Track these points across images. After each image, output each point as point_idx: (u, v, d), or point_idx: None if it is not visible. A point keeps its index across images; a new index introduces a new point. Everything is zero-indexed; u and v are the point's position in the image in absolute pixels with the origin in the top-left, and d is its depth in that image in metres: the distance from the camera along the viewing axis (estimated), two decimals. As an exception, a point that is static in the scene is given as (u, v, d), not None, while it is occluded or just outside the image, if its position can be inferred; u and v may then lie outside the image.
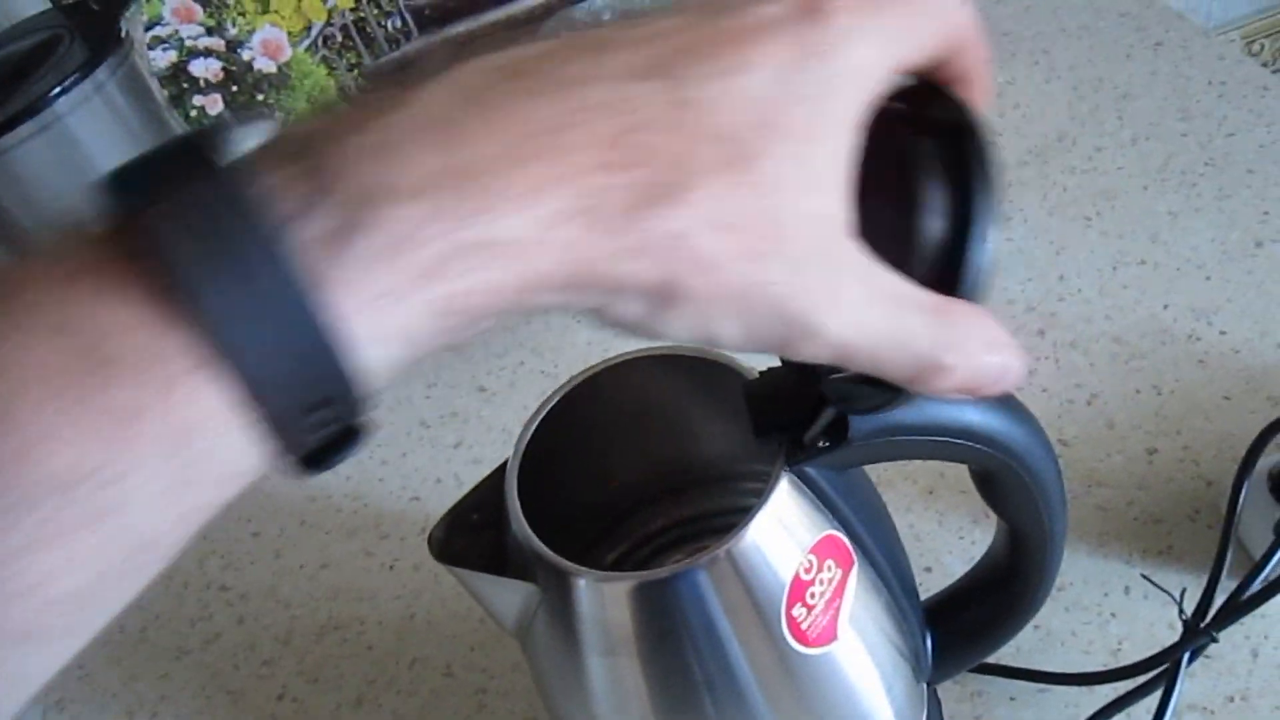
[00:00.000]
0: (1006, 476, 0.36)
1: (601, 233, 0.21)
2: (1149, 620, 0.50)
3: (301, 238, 0.19)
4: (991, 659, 0.49)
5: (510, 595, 0.35)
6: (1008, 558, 0.41)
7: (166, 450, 0.19)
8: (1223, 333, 0.60)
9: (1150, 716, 0.45)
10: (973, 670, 0.49)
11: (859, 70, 0.23)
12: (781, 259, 0.23)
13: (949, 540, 0.55)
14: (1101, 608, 0.51)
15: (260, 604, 0.63)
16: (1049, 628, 0.50)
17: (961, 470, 0.57)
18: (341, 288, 0.19)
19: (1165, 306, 0.63)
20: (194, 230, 0.19)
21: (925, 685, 0.45)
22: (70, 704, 0.60)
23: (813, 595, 0.34)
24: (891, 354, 0.24)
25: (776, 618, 0.33)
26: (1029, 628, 0.49)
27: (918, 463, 0.58)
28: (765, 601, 0.33)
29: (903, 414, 0.34)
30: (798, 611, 0.33)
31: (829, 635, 0.35)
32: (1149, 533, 0.53)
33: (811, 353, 0.24)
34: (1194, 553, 0.51)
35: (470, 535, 0.34)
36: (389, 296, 0.20)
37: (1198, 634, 0.45)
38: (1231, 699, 0.47)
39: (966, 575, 0.45)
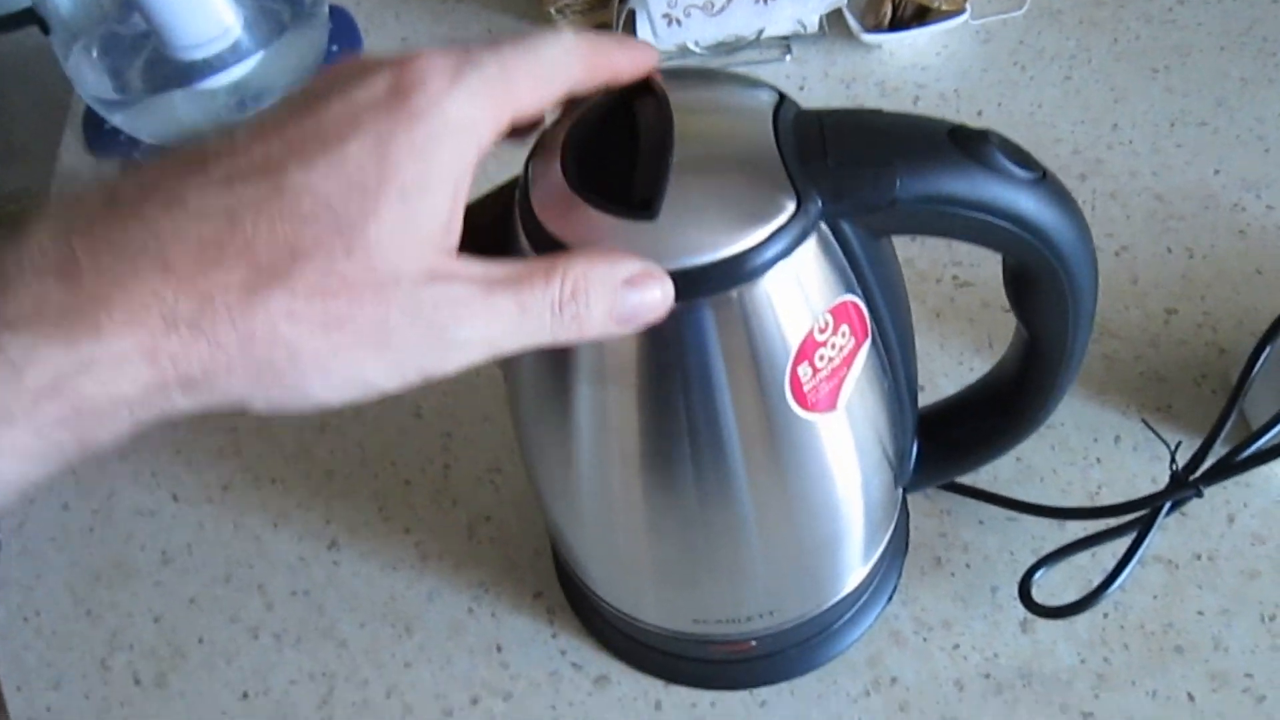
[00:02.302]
0: (1043, 275, 0.34)
1: (206, 332, 0.23)
2: (1133, 472, 0.49)
3: None
4: (967, 481, 0.48)
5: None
6: (1018, 369, 0.40)
7: None
8: (1269, 207, 0.58)
9: (1114, 561, 0.44)
10: (946, 489, 0.49)
11: (460, 126, 0.26)
12: (401, 299, 0.25)
13: (948, 364, 0.53)
14: (1088, 452, 0.50)
15: (234, 321, 0.61)
16: (1031, 462, 0.50)
17: (970, 299, 0.56)
18: None
19: (1216, 172, 0.60)
20: None
21: (900, 491, 0.44)
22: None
23: (821, 358, 0.32)
24: (527, 330, 0.27)
25: (781, 371, 0.31)
26: (1010, 459, 0.49)
27: (930, 283, 0.56)
28: (772, 352, 0.31)
29: (955, 185, 0.31)
30: (803, 370, 0.32)
31: (827, 404, 0.33)
32: (1151, 389, 0.52)
33: (464, 362, 0.27)
34: (1192, 415, 0.50)
35: (470, 237, 0.31)
36: (4, 419, 0.22)
37: (1185, 485, 0.44)
38: (1199, 557, 0.47)
39: (968, 388, 0.43)
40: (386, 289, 0.25)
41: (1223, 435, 0.46)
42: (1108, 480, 0.49)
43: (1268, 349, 0.48)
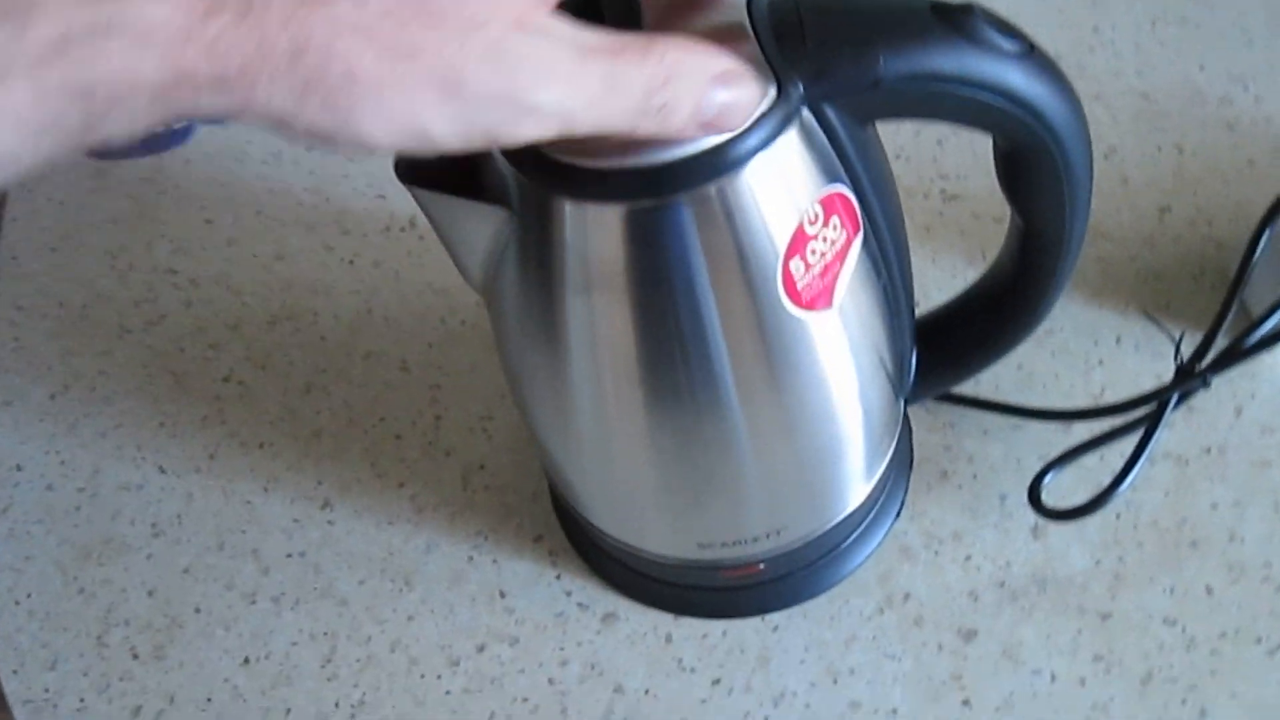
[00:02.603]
0: (1036, 154, 0.33)
1: (255, 26, 0.20)
2: (1136, 371, 0.48)
3: None
4: (969, 391, 0.47)
5: (480, 226, 0.32)
6: (1015, 265, 0.38)
7: None
8: (1258, 99, 0.57)
9: (1123, 460, 0.44)
10: (947, 400, 0.48)
11: None
12: (485, 43, 0.22)
13: (940, 278, 0.52)
14: (1090, 355, 0.49)
15: (209, 290, 0.59)
16: (1032, 369, 0.49)
17: (960, 211, 0.55)
18: None
19: (1201, 68, 0.58)
20: None
21: (901, 404, 0.43)
22: (4, 373, 0.57)
23: (813, 252, 0.31)
24: (608, 110, 0.24)
25: (772, 268, 0.30)
26: (1012, 366, 0.48)
27: (918, 198, 0.55)
28: (761, 247, 0.30)
29: (941, 61, 0.30)
30: (795, 266, 0.30)
31: (824, 301, 0.32)
32: (1149, 288, 0.51)
33: (535, 131, 0.23)
34: (1192, 311, 0.49)
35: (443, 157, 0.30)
36: (2, 72, 0.18)
37: (1191, 376, 0.43)
38: (1208, 450, 0.46)
39: (965, 292, 0.42)
40: (472, 28, 0.22)
41: (1225, 326, 0.46)
42: (1111, 381, 0.48)
43: (1265, 235, 0.47)
